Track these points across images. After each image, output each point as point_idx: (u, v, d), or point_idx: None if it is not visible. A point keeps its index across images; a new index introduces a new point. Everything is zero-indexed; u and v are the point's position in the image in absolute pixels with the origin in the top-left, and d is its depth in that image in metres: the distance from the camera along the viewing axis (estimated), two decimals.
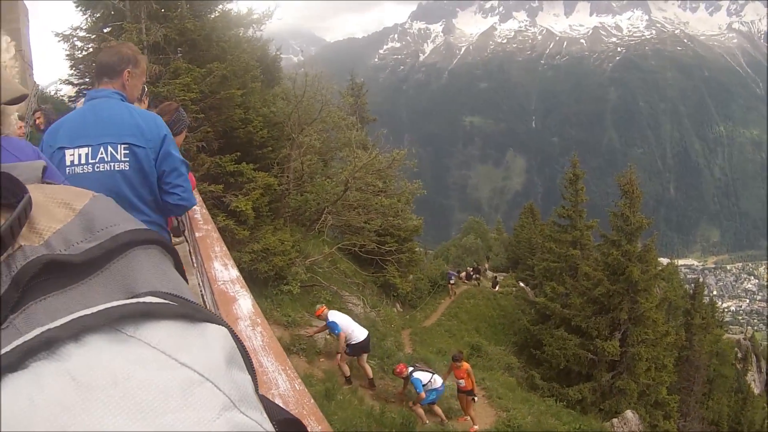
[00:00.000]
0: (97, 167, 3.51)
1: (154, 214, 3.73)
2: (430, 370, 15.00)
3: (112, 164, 3.53)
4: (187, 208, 4.04)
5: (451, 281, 39.78)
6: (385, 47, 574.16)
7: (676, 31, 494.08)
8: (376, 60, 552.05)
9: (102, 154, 3.52)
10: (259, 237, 18.34)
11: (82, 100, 5.96)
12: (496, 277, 52.11)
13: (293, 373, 1.97)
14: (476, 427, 16.03)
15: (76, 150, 3.49)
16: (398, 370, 14.90)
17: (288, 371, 1.97)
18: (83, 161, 3.49)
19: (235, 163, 17.78)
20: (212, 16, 20.25)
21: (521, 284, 50.35)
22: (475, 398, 15.98)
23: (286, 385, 1.88)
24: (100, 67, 3.86)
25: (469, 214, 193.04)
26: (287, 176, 23.31)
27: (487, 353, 29.78)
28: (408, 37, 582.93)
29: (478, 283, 49.06)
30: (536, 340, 33.07)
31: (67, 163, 3.47)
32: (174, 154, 3.83)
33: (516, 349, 36.31)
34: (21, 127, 3.23)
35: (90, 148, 3.51)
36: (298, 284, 19.44)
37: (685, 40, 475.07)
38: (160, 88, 15.80)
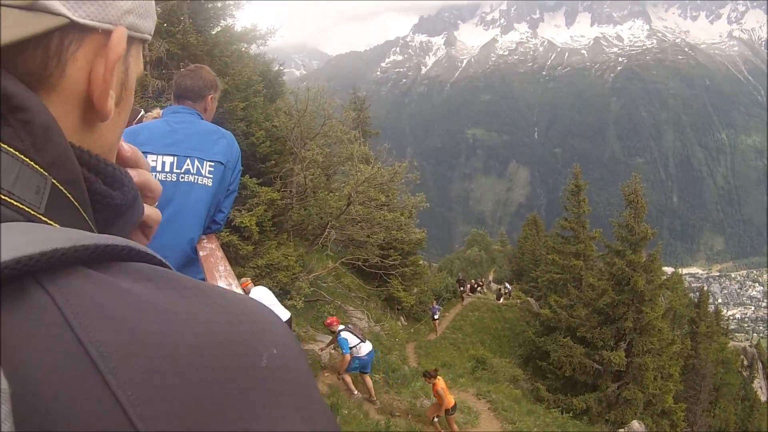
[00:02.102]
0: (182, 177, 3.58)
1: (201, 232, 3.74)
2: (361, 336, 14.64)
3: (196, 177, 3.61)
4: (219, 230, 4.07)
5: (435, 317, 35.31)
6: (387, 60, 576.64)
7: (677, 40, 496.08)
8: (378, 73, 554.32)
9: (188, 165, 3.60)
10: (262, 252, 18.33)
11: (157, 110, 6.06)
12: (500, 289, 51.81)
13: None
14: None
15: (161, 157, 3.55)
16: (328, 322, 14.81)
17: None
18: (167, 169, 3.56)
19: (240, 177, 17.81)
20: (215, 32, 20.32)
21: (530, 299, 50.14)
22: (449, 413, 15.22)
23: None
24: (184, 90, 3.92)
25: (473, 226, 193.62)
26: (290, 191, 23.29)
27: (492, 366, 29.69)
28: (410, 50, 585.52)
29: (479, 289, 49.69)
30: (541, 351, 32.97)
31: None
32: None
33: (521, 361, 36.22)
34: None
35: (176, 158, 3.58)
36: (302, 299, 19.43)
37: (686, 49, 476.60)
38: (164, 103, 15.82)
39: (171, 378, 0.48)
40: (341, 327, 14.39)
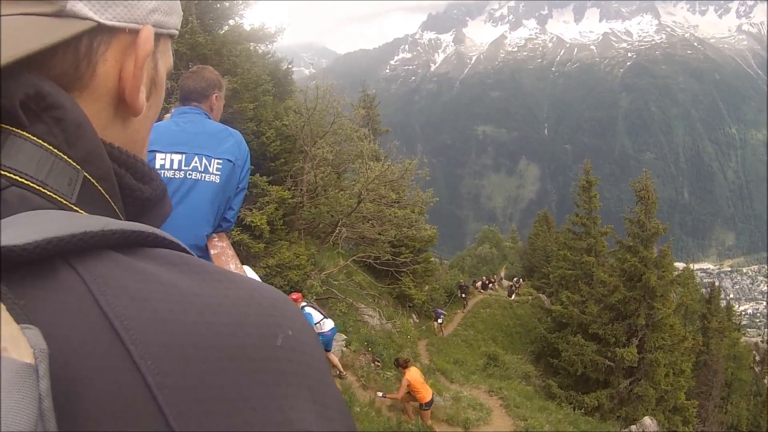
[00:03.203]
0: (189, 174, 3.63)
1: (211, 229, 3.78)
2: (323, 312, 14.70)
3: (204, 175, 3.66)
4: (230, 228, 4.10)
5: (439, 320, 34.30)
6: (396, 58, 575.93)
7: (686, 35, 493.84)
8: (388, 71, 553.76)
9: (196, 163, 3.65)
10: (274, 252, 18.33)
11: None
12: (512, 286, 51.66)
13: None
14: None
15: (169, 155, 3.60)
16: (294, 297, 14.62)
17: None
18: (175, 167, 3.61)
19: (249, 176, 17.76)
20: (222, 31, 20.33)
21: (541, 296, 49.98)
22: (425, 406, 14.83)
23: None
24: (189, 92, 3.98)
25: (484, 223, 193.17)
26: (301, 189, 23.28)
27: (504, 362, 29.68)
28: (419, 48, 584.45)
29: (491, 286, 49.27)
30: (553, 348, 32.93)
31: (157, 165, 3.58)
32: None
33: (533, 357, 36.21)
34: None
35: (184, 156, 3.63)
36: (314, 297, 19.43)
37: (696, 44, 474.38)
38: (172, 103, 15.84)
39: (189, 353, 0.51)
40: (304, 303, 14.46)
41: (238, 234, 16.43)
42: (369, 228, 25.17)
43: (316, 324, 14.03)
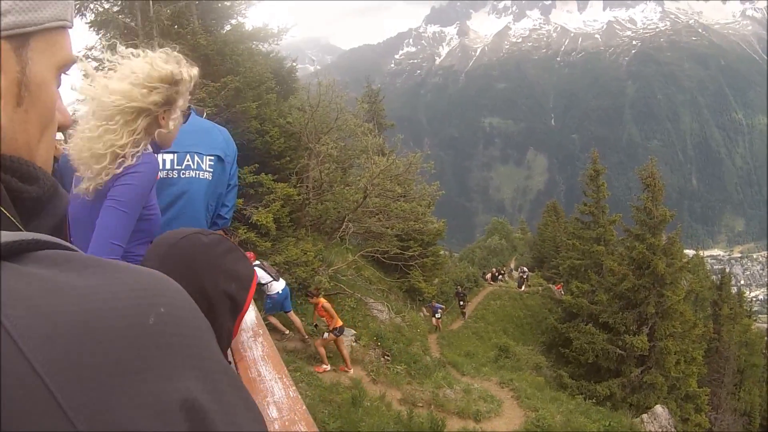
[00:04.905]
0: (183, 173, 3.65)
1: (206, 226, 3.81)
2: (273, 274, 14.35)
3: (197, 172, 3.69)
4: (227, 225, 4.14)
5: (437, 315, 32.10)
6: (400, 52, 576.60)
7: (690, 21, 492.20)
8: (393, 66, 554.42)
9: (188, 161, 3.67)
10: (281, 249, 18.36)
11: None
12: (522, 277, 51.62)
13: (289, 382, 2.02)
14: (351, 371, 15.33)
15: (161, 155, 3.54)
16: (248, 255, 14.56)
17: (284, 380, 2.03)
18: (168, 166, 3.62)
19: (254, 174, 17.80)
20: (224, 31, 20.37)
21: (551, 286, 49.97)
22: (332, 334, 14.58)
23: (281, 393, 1.93)
24: None
25: (493, 215, 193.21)
26: (306, 186, 23.33)
27: (515, 354, 29.66)
28: (423, 41, 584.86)
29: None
30: (564, 338, 32.94)
31: None
32: None
33: (544, 348, 36.20)
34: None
35: (176, 155, 3.64)
36: (322, 293, 19.48)
37: (700, 30, 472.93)
38: None
39: (69, 340, 0.57)
40: (257, 262, 14.29)
41: (245, 232, 16.49)
42: (376, 222, 25.20)
43: (264, 285, 13.97)
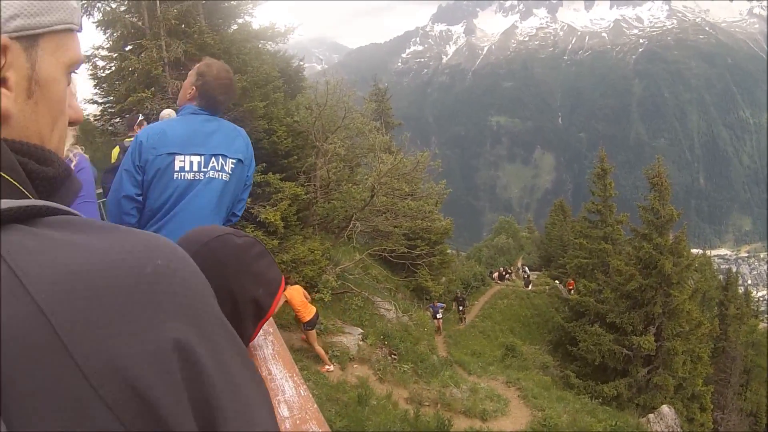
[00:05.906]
0: (208, 175, 3.75)
1: (221, 224, 3.85)
2: None
3: (220, 174, 3.80)
4: (238, 220, 4.24)
5: (438, 315, 30.73)
6: (407, 51, 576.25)
7: (697, 20, 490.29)
8: (400, 64, 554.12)
9: (213, 163, 3.77)
10: (288, 247, 18.36)
11: (168, 111, 6.35)
12: (528, 276, 51.57)
13: (299, 380, 2.03)
14: (329, 367, 14.69)
15: (188, 157, 3.71)
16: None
17: (295, 378, 2.03)
18: (195, 168, 3.72)
19: (262, 174, 17.82)
20: (231, 30, 20.39)
21: (557, 283, 49.93)
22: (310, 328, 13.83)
23: (291, 392, 1.94)
24: (219, 104, 4.05)
25: (500, 214, 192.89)
26: (314, 185, 23.33)
27: (522, 353, 29.66)
28: (430, 40, 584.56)
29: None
30: (571, 337, 32.88)
31: (176, 168, 3.69)
32: None
33: (551, 347, 36.16)
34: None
35: (202, 157, 3.74)
36: (330, 292, 19.48)
37: (707, 28, 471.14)
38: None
39: (74, 286, 0.63)
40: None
41: (253, 231, 16.49)
42: (383, 221, 25.21)
43: None
